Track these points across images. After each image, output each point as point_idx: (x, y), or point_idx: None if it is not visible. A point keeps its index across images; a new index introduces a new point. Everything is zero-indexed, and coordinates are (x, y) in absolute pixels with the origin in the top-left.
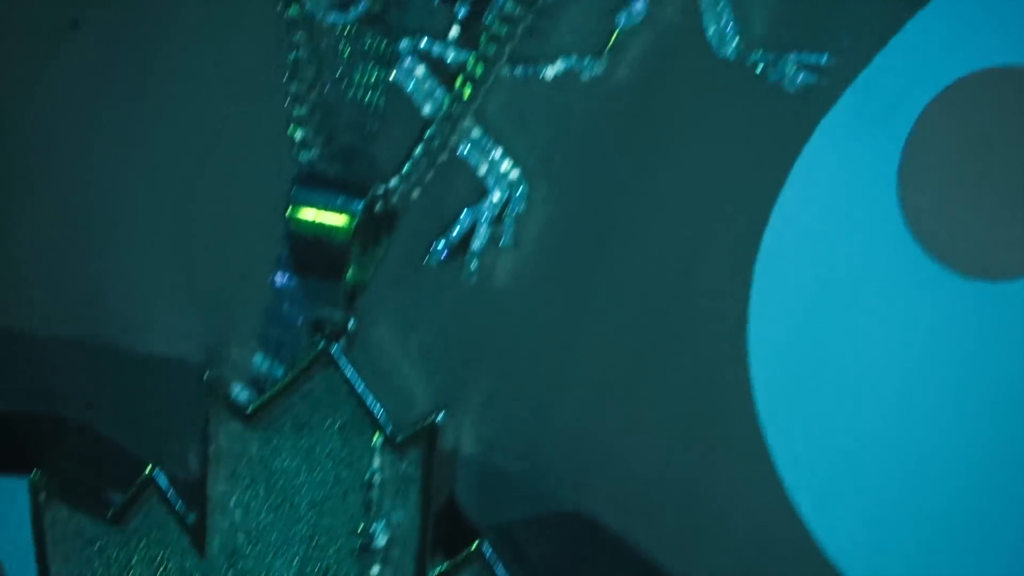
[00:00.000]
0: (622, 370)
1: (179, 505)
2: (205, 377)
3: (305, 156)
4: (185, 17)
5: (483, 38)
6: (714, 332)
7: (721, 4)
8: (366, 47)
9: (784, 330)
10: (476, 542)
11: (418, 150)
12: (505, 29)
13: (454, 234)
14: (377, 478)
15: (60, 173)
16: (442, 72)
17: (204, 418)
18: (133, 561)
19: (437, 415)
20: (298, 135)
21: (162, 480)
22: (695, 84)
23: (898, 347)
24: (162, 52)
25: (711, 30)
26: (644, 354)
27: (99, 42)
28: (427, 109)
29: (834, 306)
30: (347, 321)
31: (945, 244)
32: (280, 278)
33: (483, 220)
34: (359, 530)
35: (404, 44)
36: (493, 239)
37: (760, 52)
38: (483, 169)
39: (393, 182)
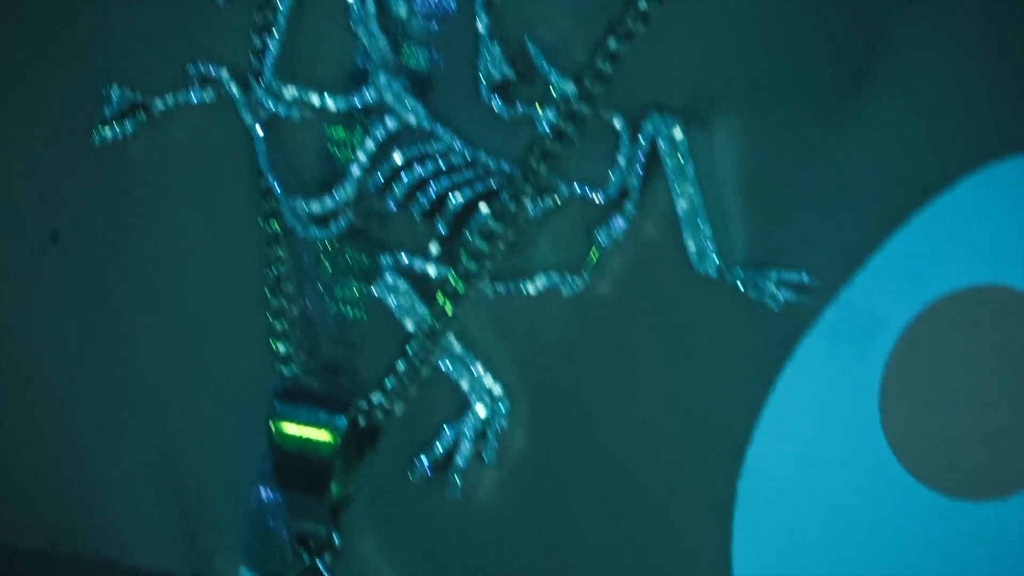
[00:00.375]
0: None
1: None
2: None
3: (287, 370)
4: (164, 230)
5: (464, 254)
6: (697, 550)
7: (701, 222)
8: (347, 262)
9: (768, 549)
10: None
11: (400, 365)
12: (486, 246)
13: (437, 449)
14: None
15: (42, 387)
16: (423, 287)
17: None
18: None
19: None
20: (280, 349)
21: None
22: (676, 301)
23: (882, 567)
24: (141, 266)
25: (691, 247)
26: (628, 570)
27: (78, 254)
28: (409, 324)
29: (817, 524)
30: (332, 536)
31: (927, 463)
32: (264, 492)
33: (466, 436)
34: None
35: (385, 259)
36: (476, 455)
37: (740, 269)
38: (465, 384)
39: (376, 397)
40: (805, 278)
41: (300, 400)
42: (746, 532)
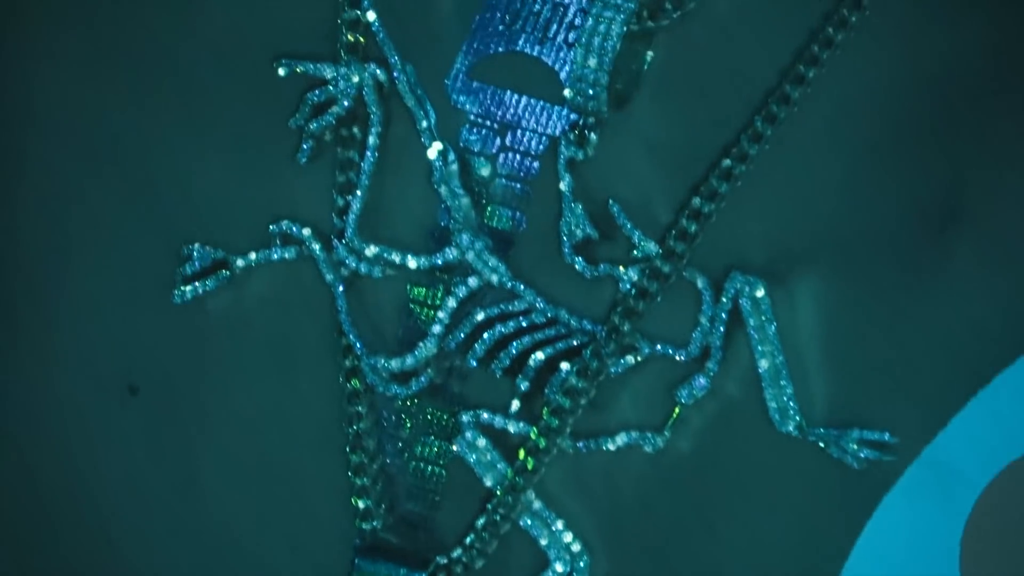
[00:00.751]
0: None
1: None
2: None
3: (367, 525)
4: (243, 386)
5: (545, 411)
6: None
7: (783, 380)
8: (427, 419)
9: None
10: None
11: (480, 521)
12: (567, 402)
13: None
14: None
15: (120, 540)
16: (504, 444)
17: None
18: None
19: None
20: (360, 505)
21: None
22: (757, 458)
23: None
24: (220, 420)
25: (773, 406)
26: None
27: (157, 408)
28: (489, 480)
29: None
30: None
31: None
32: None
33: None
34: None
35: (466, 416)
36: None
37: (822, 428)
38: (544, 541)
39: (456, 552)
40: (887, 437)
41: (380, 556)
42: None
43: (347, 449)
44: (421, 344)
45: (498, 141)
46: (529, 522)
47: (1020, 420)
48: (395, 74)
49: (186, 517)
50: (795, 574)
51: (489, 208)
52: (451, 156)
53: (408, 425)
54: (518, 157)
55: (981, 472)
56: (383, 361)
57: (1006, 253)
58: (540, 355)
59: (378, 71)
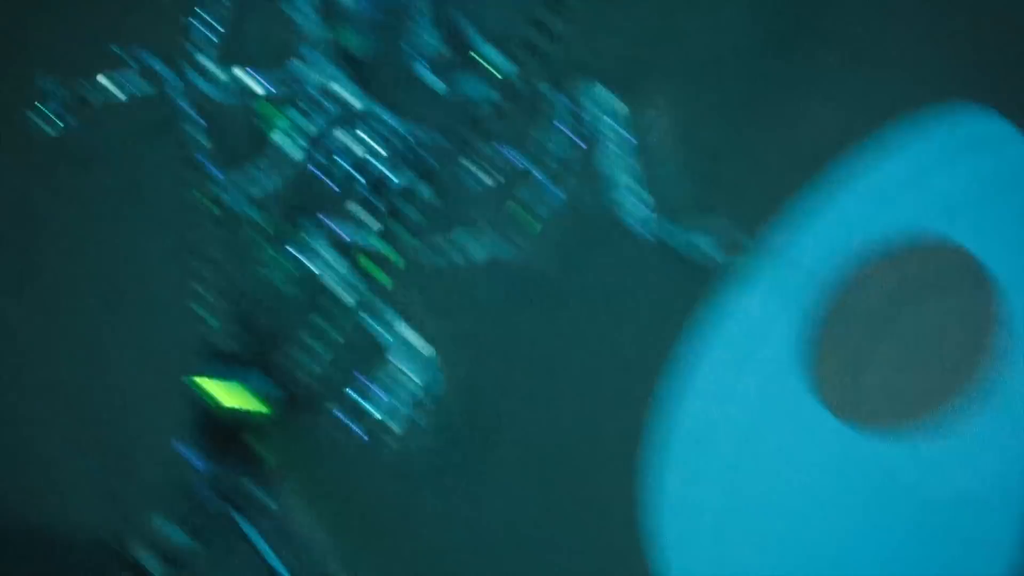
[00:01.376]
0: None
1: None
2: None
3: (221, 342)
4: (98, 209)
5: (401, 228)
6: (614, 489)
7: (637, 187)
8: (284, 237)
9: (678, 481)
10: None
11: (334, 333)
12: (423, 220)
13: (372, 414)
14: None
15: None
16: (360, 260)
17: None
18: None
19: None
20: (212, 321)
21: None
22: (610, 265)
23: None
24: (74, 248)
25: (625, 207)
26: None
27: (17, 250)
28: (344, 296)
29: (732, 447)
30: (259, 495)
31: (845, 399)
32: (190, 453)
33: (402, 402)
34: None
35: (322, 234)
36: (408, 419)
37: (673, 227)
38: (398, 350)
39: (309, 362)
40: (736, 233)
41: (232, 366)
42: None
43: (200, 267)
44: (278, 165)
45: None
46: (384, 332)
47: (866, 217)
48: None
49: (34, 324)
50: (637, 363)
51: (344, 30)
52: None
53: (264, 244)
54: None
55: (828, 266)
56: (240, 182)
57: (858, 58)
58: (396, 174)
59: None
